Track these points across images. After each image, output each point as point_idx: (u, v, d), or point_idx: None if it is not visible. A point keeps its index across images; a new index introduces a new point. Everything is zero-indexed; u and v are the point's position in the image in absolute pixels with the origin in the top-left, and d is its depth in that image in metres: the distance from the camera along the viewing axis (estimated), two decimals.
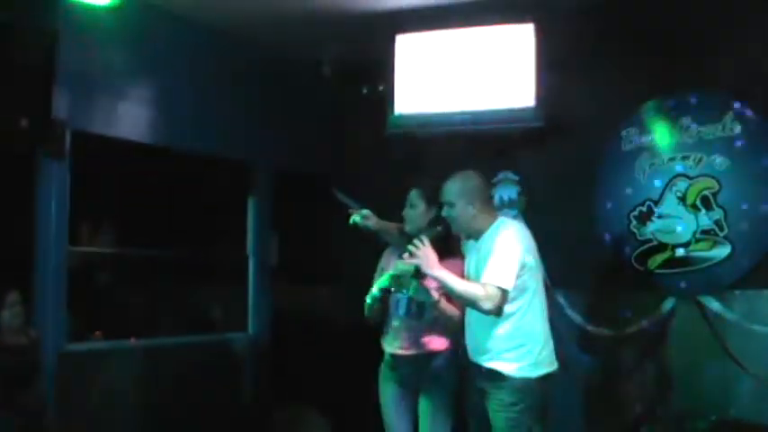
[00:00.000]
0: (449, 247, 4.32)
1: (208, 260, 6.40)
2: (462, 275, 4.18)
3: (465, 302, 4.08)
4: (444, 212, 4.17)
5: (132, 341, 5.60)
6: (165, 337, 5.91)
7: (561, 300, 5.52)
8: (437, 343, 4.37)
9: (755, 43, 4.93)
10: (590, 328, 5.48)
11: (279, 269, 6.47)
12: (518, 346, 4.00)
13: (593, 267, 5.52)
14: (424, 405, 4.39)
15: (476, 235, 4.16)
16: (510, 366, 3.99)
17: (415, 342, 4.37)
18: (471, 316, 4.15)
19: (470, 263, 4.19)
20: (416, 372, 4.38)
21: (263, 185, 6.35)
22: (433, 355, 4.37)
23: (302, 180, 6.49)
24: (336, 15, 5.53)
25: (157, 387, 5.42)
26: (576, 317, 5.52)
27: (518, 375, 3.98)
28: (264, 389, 6.17)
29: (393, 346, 4.46)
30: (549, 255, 5.63)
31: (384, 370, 4.53)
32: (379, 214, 4.61)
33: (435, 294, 4.24)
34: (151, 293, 6.13)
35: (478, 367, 4.11)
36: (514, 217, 5.78)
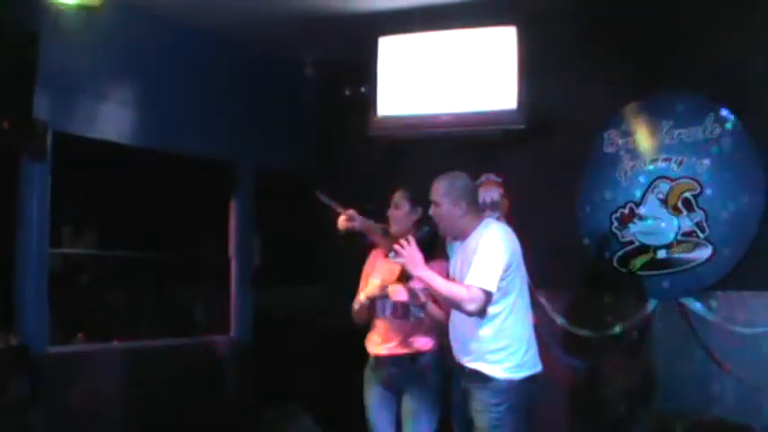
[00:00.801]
0: (435, 248, 4.34)
1: (190, 262, 6.38)
2: (447, 276, 4.19)
3: (449, 303, 4.09)
4: (431, 212, 4.18)
5: (115, 343, 5.58)
6: (148, 340, 5.88)
7: (544, 301, 5.54)
8: (422, 343, 4.37)
9: (736, 46, 4.95)
10: (572, 329, 5.50)
11: (262, 270, 6.45)
12: (502, 348, 4.02)
13: (575, 269, 5.54)
14: (407, 406, 4.39)
15: (461, 236, 4.17)
16: (494, 368, 4.01)
17: (401, 343, 4.38)
18: (456, 317, 4.16)
19: (455, 264, 4.21)
20: (401, 372, 4.38)
21: (246, 186, 6.33)
22: (418, 355, 4.37)
23: (285, 181, 6.48)
24: (320, 17, 5.53)
25: (140, 390, 5.40)
26: (559, 318, 5.54)
27: (502, 377, 4.00)
28: (248, 391, 6.15)
29: (378, 347, 4.46)
30: (531, 256, 5.66)
31: (368, 371, 4.53)
32: (363, 215, 4.61)
33: (422, 296, 4.26)
34: (134, 295, 6.11)
35: (462, 368, 4.13)
36: (497, 219, 5.81)
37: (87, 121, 5.21)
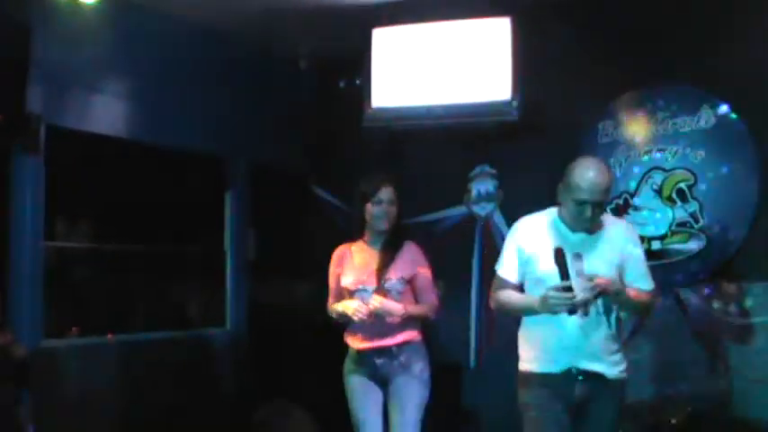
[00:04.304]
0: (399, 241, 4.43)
1: (185, 255, 6.37)
2: (412, 263, 4.35)
3: (641, 313, 4.13)
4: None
5: (109, 337, 5.57)
6: (143, 333, 5.87)
7: None
8: (407, 334, 4.36)
9: (731, 37, 4.96)
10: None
11: (257, 264, 6.45)
12: (620, 347, 3.78)
13: None
14: (395, 395, 4.36)
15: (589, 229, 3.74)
16: (615, 369, 3.72)
17: (383, 335, 4.34)
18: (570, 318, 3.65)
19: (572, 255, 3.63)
20: (387, 363, 4.35)
21: (241, 180, 6.32)
22: (401, 346, 4.35)
23: (279, 174, 6.47)
24: (313, 9, 5.51)
25: (135, 383, 5.40)
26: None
27: (621, 377, 3.76)
28: (243, 384, 6.16)
29: (360, 341, 4.42)
30: None
31: (350, 364, 4.49)
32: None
33: (399, 307, 4.27)
34: (129, 289, 6.09)
35: (577, 372, 3.69)
36: (492, 210, 5.84)
37: (81, 114, 5.19)
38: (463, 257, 6.02)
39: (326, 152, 6.53)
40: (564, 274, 3.53)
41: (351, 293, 4.42)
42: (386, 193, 4.41)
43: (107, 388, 5.29)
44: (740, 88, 4.97)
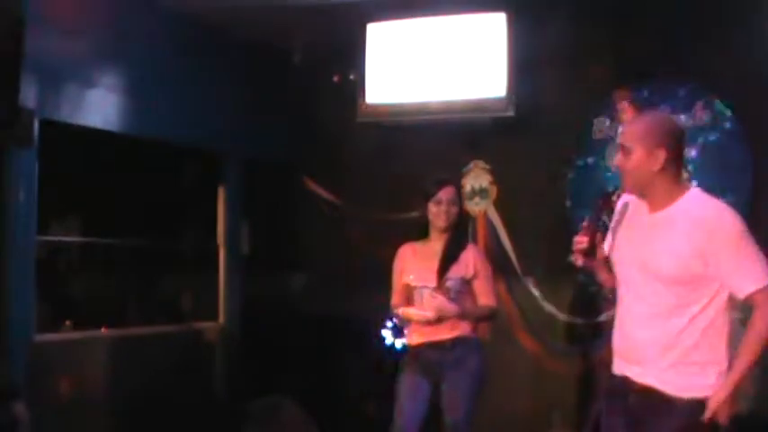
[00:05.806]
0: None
1: (179, 249, 6.37)
2: (473, 265, 4.27)
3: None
4: (616, 162, 3.10)
5: (103, 331, 5.57)
6: (137, 327, 5.86)
7: (533, 289, 5.55)
8: (460, 329, 4.38)
9: (727, 34, 4.96)
10: (562, 316, 5.51)
11: (251, 258, 6.44)
12: (706, 352, 2.88)
13: (564, 256, 5.53)
14: (447, 392, 4.37)
15: (654, 203, 3.00)
16: (681, 384, 2.86)
17: (438, 330, 4.37)
18: (633, 312, 2.94)
19: (633, 239, 3.06)
20: (440, 358, 4.37)
21: (234, 174, 6.32)
22: (455, 341, 4.37)
23: (273, 169, 6.47)
24: (307, 4, 5.50)
25: (128, 377, 5.39)
26: (548, 306, 5.54)
27: (691, 397, 2.85)
28: (236, 378, 6.16)
29: (417, 337, 4.45)
30: (520, 243, 5.68)
31: (408, 359, 4.51)
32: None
33: (454, 307, 4.29)
34: (122, 283, 6.10)
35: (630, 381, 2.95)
36: (485, 205, 5.84)
37: (75, 108, 5.16)
38: None
39: (320, 146, 6.52)
40: (594, 220, 2.96)
41: (412, 290, 4.47)
42: (446, 192, 4.43)
43: (100, 382, 5.28)
44: (735, 84, 4.98)
